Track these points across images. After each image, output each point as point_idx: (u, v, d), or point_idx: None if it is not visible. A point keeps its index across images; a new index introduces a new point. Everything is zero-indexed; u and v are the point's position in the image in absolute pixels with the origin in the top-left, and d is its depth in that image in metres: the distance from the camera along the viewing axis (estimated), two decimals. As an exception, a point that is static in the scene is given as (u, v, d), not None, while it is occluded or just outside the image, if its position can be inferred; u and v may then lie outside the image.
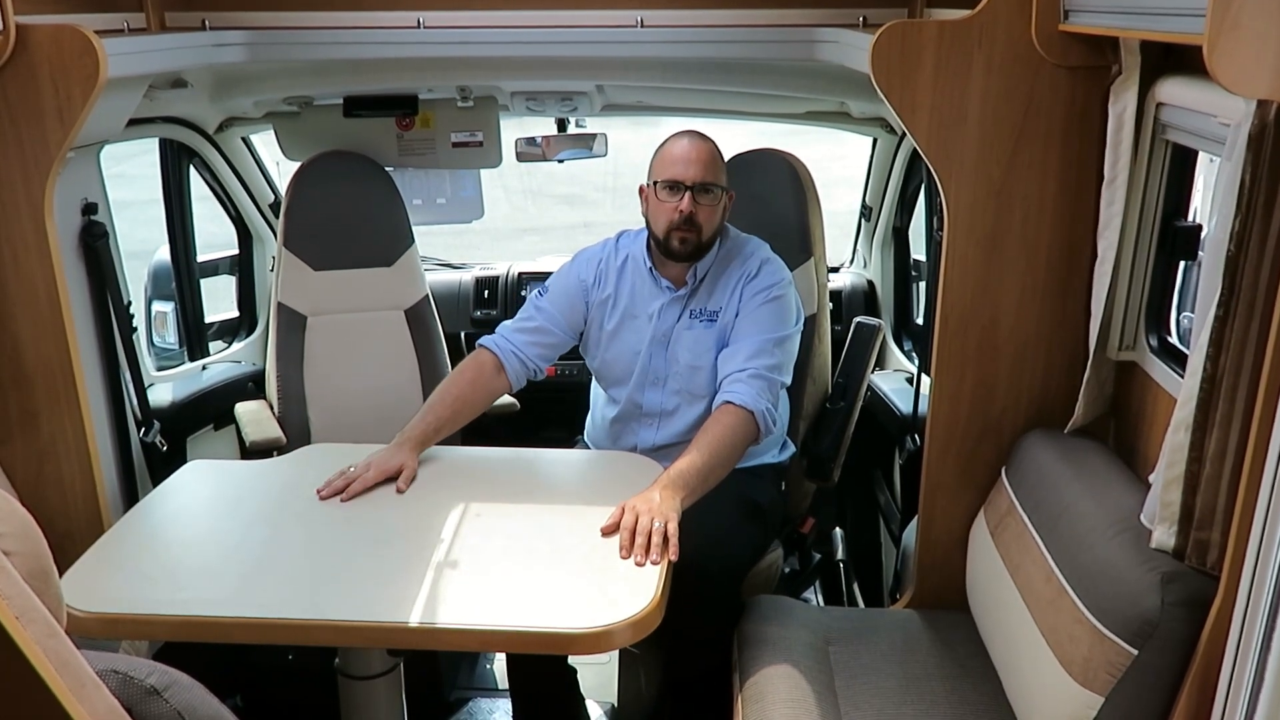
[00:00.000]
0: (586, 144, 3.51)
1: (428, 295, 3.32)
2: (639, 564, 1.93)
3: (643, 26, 2.66)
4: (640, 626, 1.78)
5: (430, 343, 3.28)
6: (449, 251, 4.16)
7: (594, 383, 2.77)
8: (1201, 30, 1.31)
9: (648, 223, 2.55)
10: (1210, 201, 2.03)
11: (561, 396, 3.30)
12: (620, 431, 2.65)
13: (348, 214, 3.22)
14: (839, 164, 3.83)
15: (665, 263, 2.56)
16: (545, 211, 10.65)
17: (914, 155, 3.29)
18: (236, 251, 3.65)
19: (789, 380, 2.54)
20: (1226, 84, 1.32)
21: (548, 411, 3.35)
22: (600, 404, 2.74)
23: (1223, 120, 1.65)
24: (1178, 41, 1.61)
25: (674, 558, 1.96)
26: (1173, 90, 1.87)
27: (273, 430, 2.94)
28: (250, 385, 3.34)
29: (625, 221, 2.76)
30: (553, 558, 1.98)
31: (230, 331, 3.66)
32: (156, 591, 1.87)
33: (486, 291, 3.76)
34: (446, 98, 3.30)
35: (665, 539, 1.97)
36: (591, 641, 1.78)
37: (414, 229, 3.34)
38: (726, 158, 2.58)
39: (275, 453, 2.82)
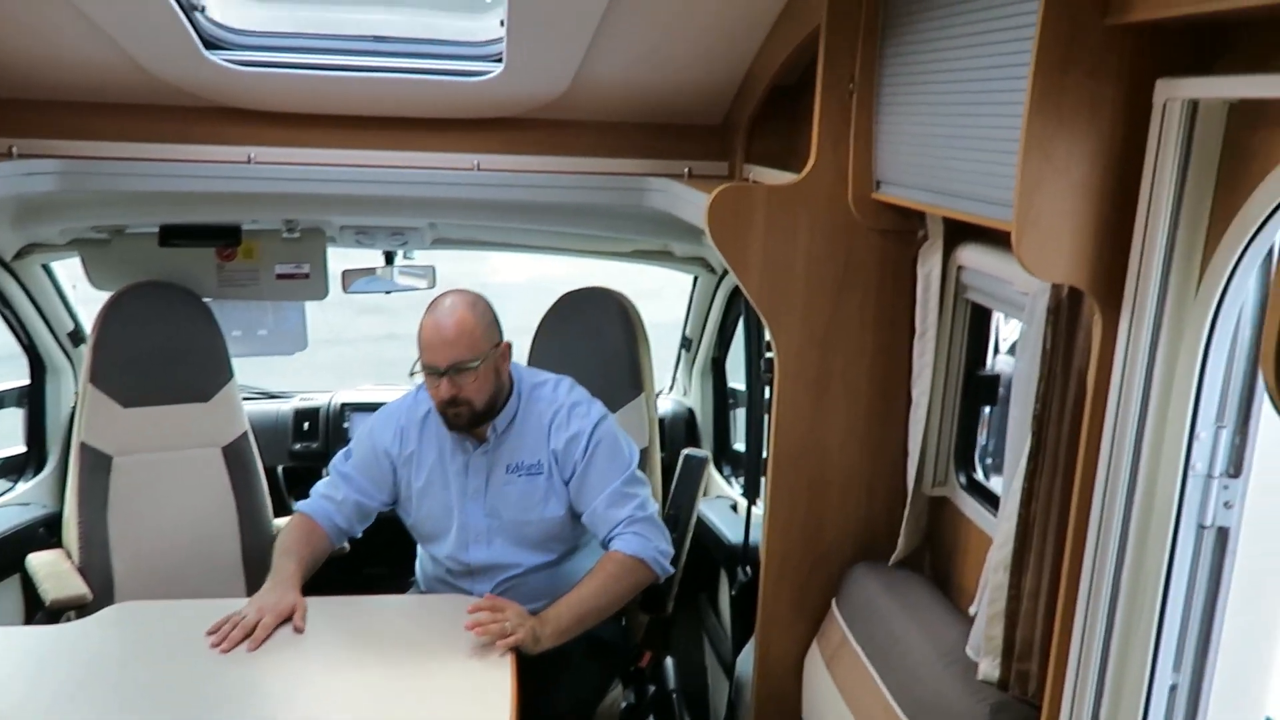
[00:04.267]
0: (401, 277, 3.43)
1: (247, 431, 3.15)
2: (477, 633, 2.12)
3: (480, 170, 2.73)
4: None
5: (249, 481, 3.10)
6: (257, 366, 3.94)
7: None
8: (997, 216, 1.49)
9: None
10: (1010, 349, 2.26)
11: (390, 534, 3.20)
12: (452, 589, 2.57)
13: (162, 347, 3.04)
14: (644, 277, 4.00)
15: None
16: (350, 323, 10.39)
17: (734, 291, 3.47)
18: (27, 382, 3.38)
19: (658, 506, 2.58)
20: (1032, 269, 1.51)
21: (377, 551, 3.23)
22: (426, 559, 2.66)
23: (1020, 289, 1.85)
24: (978, 224, 1.80)
25: (498, 647, 2.12)
26: (972, 256, 2.07)
27: (75, 585, 2.68)
28: (42, 531, 3.05)
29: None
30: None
31: (15, 469, 3.35)
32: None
33: (306, 423, 3.62)
34: (271, 229, 3.22)
35: (505, 637, 2.12)
36: None
37: (232, 360, 3.21)
38: (562, 291, 2.61)
39: (74, 612, 2.58)
